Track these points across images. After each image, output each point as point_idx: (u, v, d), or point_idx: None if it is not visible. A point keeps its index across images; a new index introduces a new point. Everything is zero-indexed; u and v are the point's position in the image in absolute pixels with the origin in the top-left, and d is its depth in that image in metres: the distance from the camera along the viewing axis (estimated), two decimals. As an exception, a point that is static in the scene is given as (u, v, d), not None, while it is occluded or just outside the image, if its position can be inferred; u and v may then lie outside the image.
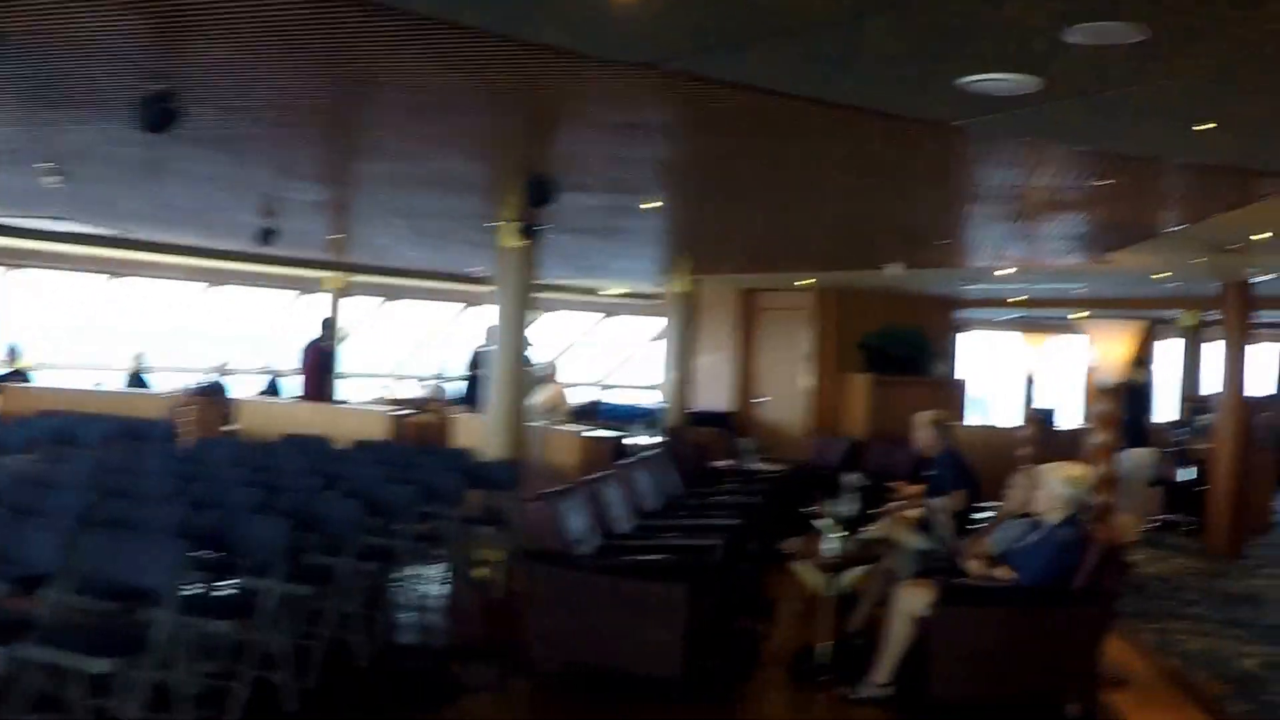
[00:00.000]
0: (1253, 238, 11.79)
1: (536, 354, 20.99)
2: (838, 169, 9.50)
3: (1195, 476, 17.83)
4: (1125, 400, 14.09)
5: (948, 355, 22.43)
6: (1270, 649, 10.76)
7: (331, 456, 12.53)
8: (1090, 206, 10.53)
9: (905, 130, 7.55)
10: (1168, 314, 23.54)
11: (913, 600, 8.30)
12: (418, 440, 15.63)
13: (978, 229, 12.37)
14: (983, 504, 10.96)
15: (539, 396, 16.80)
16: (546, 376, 17.08)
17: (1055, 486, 8.37)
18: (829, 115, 7.18)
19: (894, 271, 15.64)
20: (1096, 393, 10.25)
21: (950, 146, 8.22)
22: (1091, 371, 10.39)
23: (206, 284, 22.20)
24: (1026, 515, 8.98)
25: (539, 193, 10.25)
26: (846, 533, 9.52)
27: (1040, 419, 17.80)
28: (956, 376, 22.69)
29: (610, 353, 28.14)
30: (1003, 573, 8.47)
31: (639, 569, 8.88)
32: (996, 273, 16.67)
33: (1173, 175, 8.85)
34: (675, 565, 8.94)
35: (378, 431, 15.58)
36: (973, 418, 21.24)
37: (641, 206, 11.81)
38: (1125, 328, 10.33)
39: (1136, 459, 10.92)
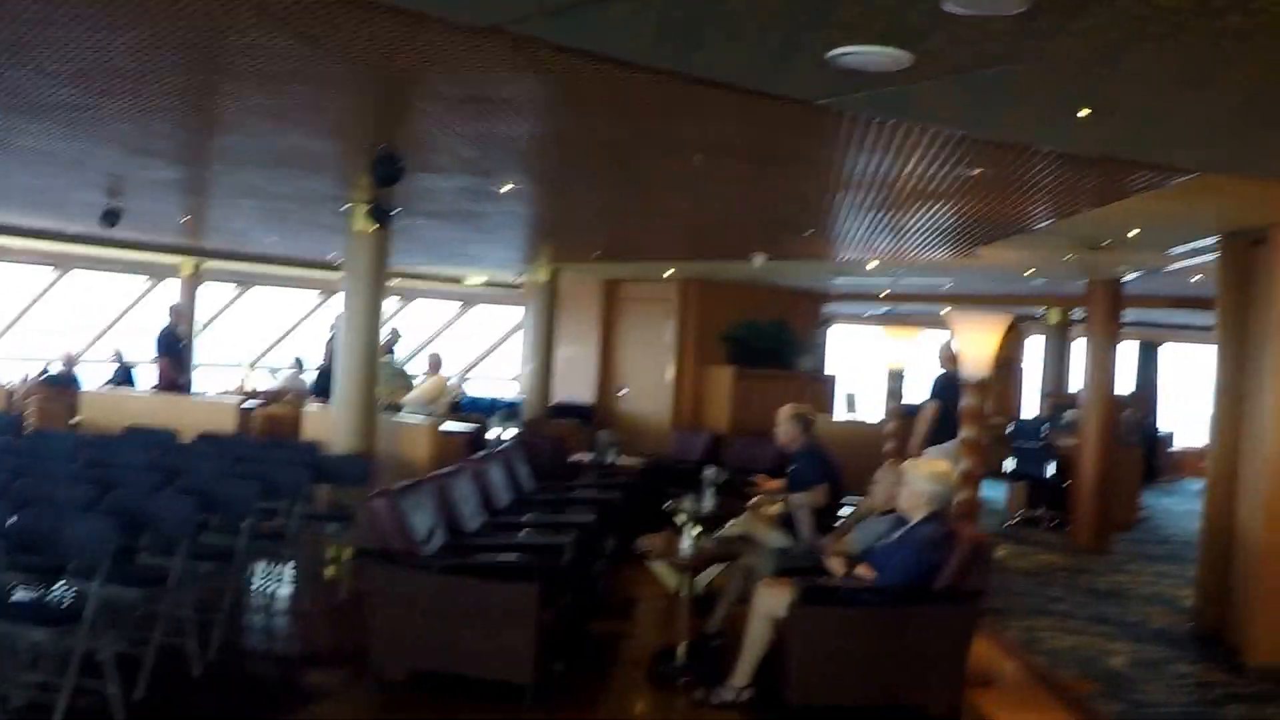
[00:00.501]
0: (1128, 235, 11.58)
1: (409, 345, 20.93)
2: (699, 151, 9.13)
3: (1060, 472, 17.86)
4: (938, 393, 14.27)
5: (814, 349, 22.47)
6: (1138, 646, 10.72)
7: (175, 451, 11.98)
8: (961, 198, 10.30)
9: (769, 109, 7.21)
10: (1034, 311, 23.61)
11: (771, 600, 8.05)
12: (268, 433, 15.14)
13: (845, 219, 12.09)
14: (846, 499, 10.76)
15: (421, 388, 16.49)
16: (431, 368, 16.88)
17: (918, 483, 8.15)
18: (688, 91, 6.81)
19: (759, 263, 15.41)
20: (966, 387, 10.00)
21: (817, 128, 7.89)
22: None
23: (55, 268, 21.35)
24: (890, 512, 8.77)
25: (385, 171, 9.78)
26: (705, 530, 9.23)
27: (905, 413, 17.70)
28: (824, 371, 22.80)
29: (471, 343, 27.71)
30: (864, 572, 8.22)
31: (487, 569, 8.49)
32: (867, 266, 16.46)
33: (1047, 166, 8.60)
34: (525, 565, 8.54)
35: (227, 424, 15.08)
36: (840, 412, 21.06)
37: (497, 190, 11.39)
38: (991, 322, 10.08)
39: (946, 452, 10.74)
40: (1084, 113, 6.25)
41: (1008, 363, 26.36)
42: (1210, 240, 11.53)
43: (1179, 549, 16.41)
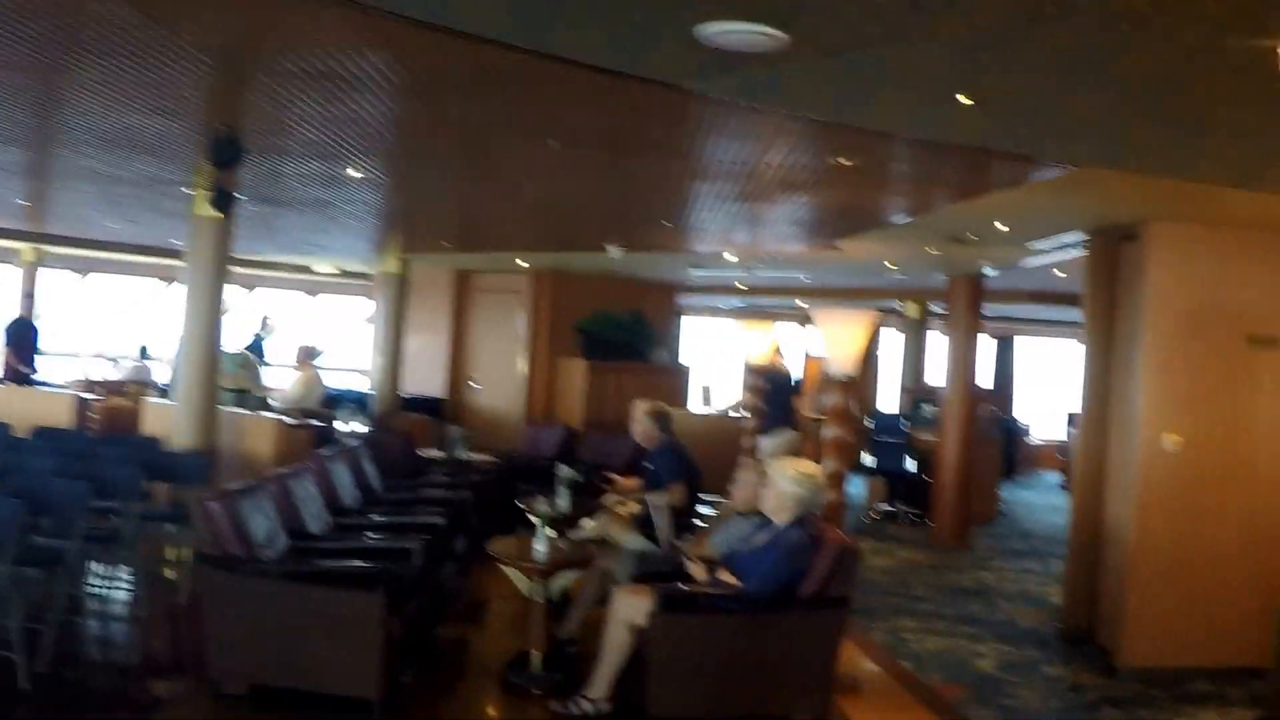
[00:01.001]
0: (994, 228, 11.36)
1: (279, 337, 20.34)
2: (554, 137, 8.71)
3: (919, 467, 17.84)
4: (768, 384, 14.15)
5: (670, 342, 22.18)
6: (1005, 648, 10.55)
7: (6, 446, 11.34)
8: (824, 189, 10.00)
9: (631, 92, 6.82)
10: (892, 304, 23.53)
11: (629, 607, 7.70)
12: (107, 427, 14.52)
13: (704, 210, 11.74)
14: (706, 498, 10.48)
15: (293, 382, 15.94)
16: (302, 361, 16.28)
17: (783, 485, 7.80)
18: (544, 71, 6.40)
19: (615, 253, 15.05)
20: (825, 383, 9.66)
21: (680, 114, 7.52)
22: (820, 361, 9.82)
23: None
24: (753, 513, 8.46)
25: (224, 154, 9.28)
26: (559, 531, 8.95)
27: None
28: (679, 363, 22.48)
29: (321, 335, 27.10)
30: (728, 577, 7.85)
31: (329, 576, 7.93)
32: (725, 258, 16.16)
33: (915, 156, 8.34)
34: (370, 572, 8.05)
35: (64, 418, 14.45)
36: (696, 405, 20.85)
37: (345, 175, 10.89)
38: (856, 318, 9.79)
39: (779, 442, 10.49)
40: (964, 100, 5.94)
41: (867, 357, 26.41)
42: (1077, 236, 11.34)
43: (1041, 544, 16.45)
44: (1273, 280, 10.14)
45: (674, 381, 21.08)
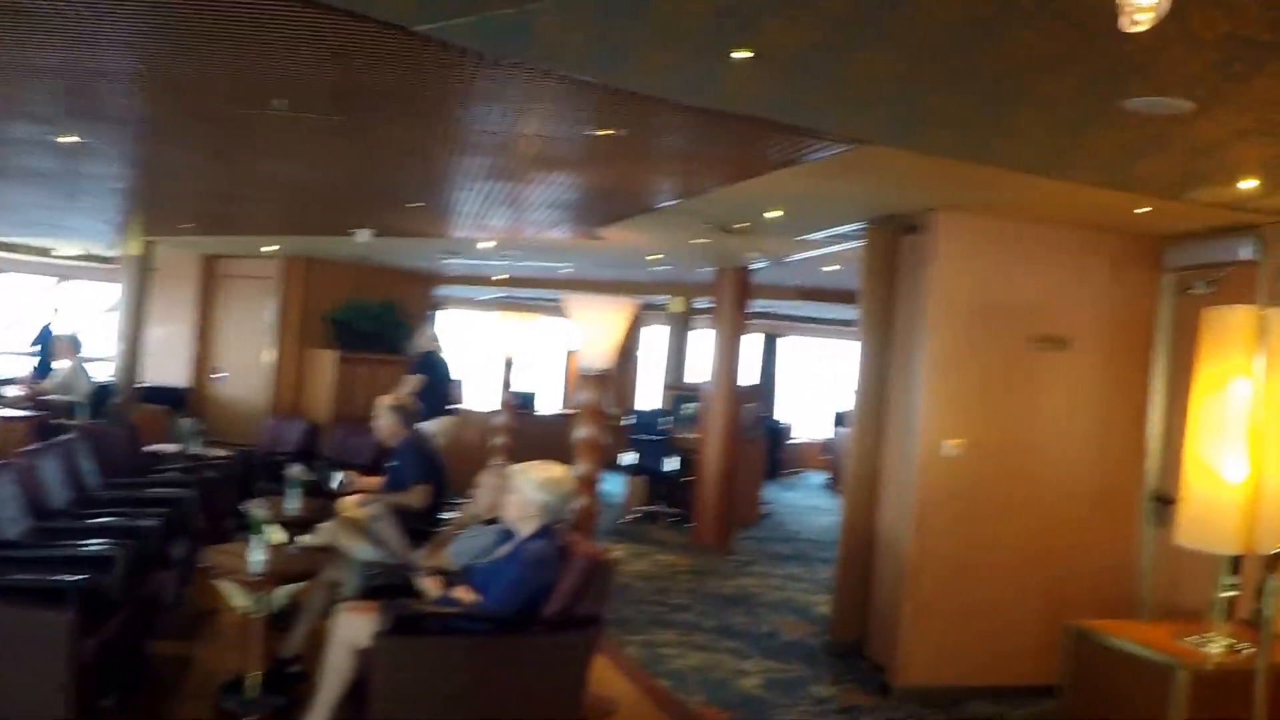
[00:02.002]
0: (766, 216, 10.66)
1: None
2: (282, 94, 7.67)
3: (681, 466, 17.18)
4: (422, 369, 14.56)
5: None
6: (770, 663, 9.89)
7: None
8: (586, 166, 9.14)
9: (357, 36, 5.90)
10: (656, 299, 23.05)
11: (351, 627, 6.83)
12: None
13: (456, 190, 10.82)
14: (452, 501, 9.63)
15: (61, 373, 15.22)
16: (64, 351, 15.49)
17: (527, 491, 7.00)
18: (263, 11, 5.48)
19: (363, 238, 14.12)
20: (580, 379, 8.81)
21: (416, 65, 6.55)
22: (574, 355, 8.97)
23: None
24: (495, 521, 7.63)
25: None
26: (289, 536, 8.07)
27: (518, 404, 16.84)
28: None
29: (71, 323, 25.74)
30: (465, 593, 7.02)
31: (10, 590, 6.84)
32: (479, 245, 15.29)
33: (685, 127, 7.52)
34: (56, 586, 6.97)
35: None
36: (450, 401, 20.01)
37: (59, 142, 9.72)
38: (612, 308, 8.96)
39: (437, 427, 9.83)
40: (741, 55, 5.15)
41: (626, 352, 26.07)
42: (854, 226, 10.72)
43: (806, 548, 15.95)
44: (1058, 278, 9.69)
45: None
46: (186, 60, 6.74)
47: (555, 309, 23.41)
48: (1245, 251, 8.42)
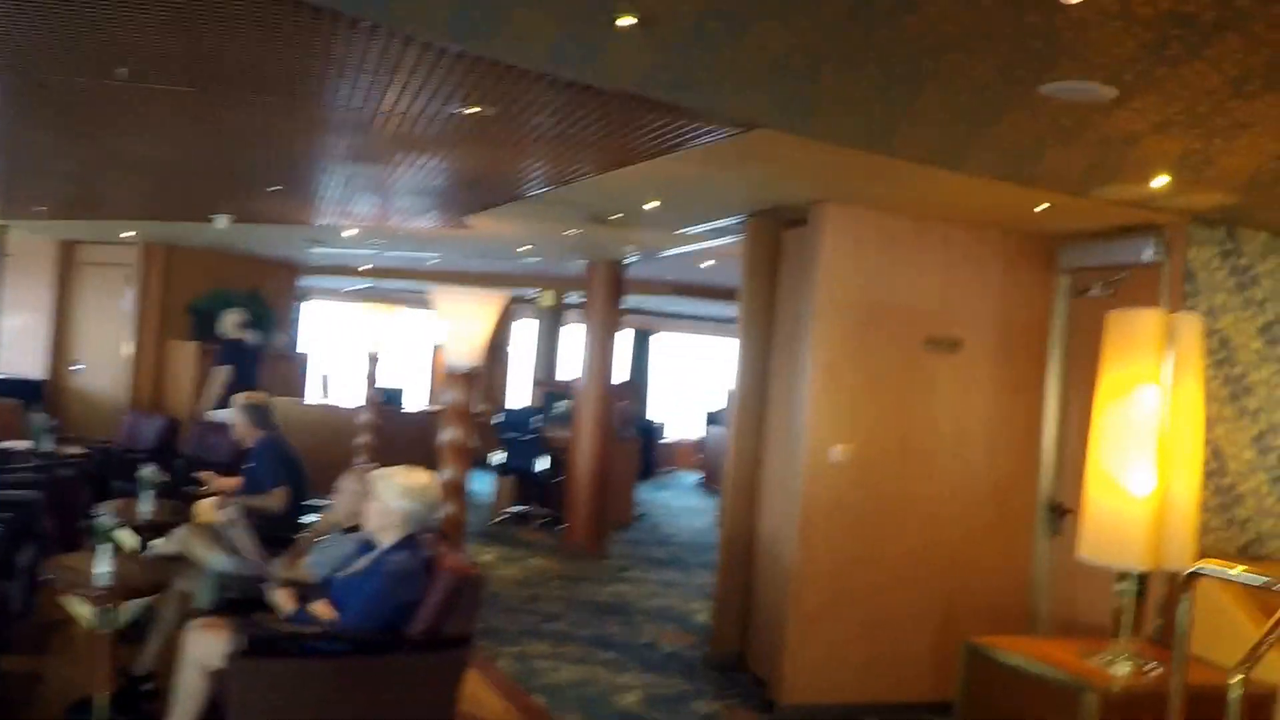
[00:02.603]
0: (643, 207, 10.19)
1: None
2: (127, 63, 7.04)
3: (552, 466, 16.70)
4: (228, 359, 14.75)
5: (288, 325, 20.61)
6: (649, 677, 9.43)
7: None
8: (453, 148, 8.58)
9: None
10: (528, 292, 22.65)
11: (202, 647, 6.22)
12: None
13: (317, 173, 10.23)
14: (313, 505, 9.08)
15: None
16: None
17: (389, 498, 6.47)
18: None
19: (222, 225, 13.50)
20: (446, 377, 8.24)
21: (271, 28, 5.99)
22: (441, 351, 8.37)
23: None
24: (356, 529, 7.10)
25: None
26: (139, 543, 7.68)
27: (383, 401, 16.29)
28: (297, 349, 21.03)
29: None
30: (322, 610, 6.45)
31: None
32: (344, 234, 14.70)
33: (560, 106, 6.98)
34: None
35: None
36: (315, 396, 19.44)
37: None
38: (479, 301, 8.39)
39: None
40: (626, 21, 4.65)
41: (496, 348, 25.69)
42: (735, 219, 10.28)
43: (681, 552, 15.54)
44: (951, 277, 9.27)
45: (290, 368, 19.63)
46: (20, 24, 6.13)
47: (422, 301, 23.00)
48: (1147, 253, 8.06)
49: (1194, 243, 7.82)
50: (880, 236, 9.06)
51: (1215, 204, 7.30)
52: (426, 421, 19.84)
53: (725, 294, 11.93)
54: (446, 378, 8.12)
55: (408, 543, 6.50)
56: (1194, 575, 5.44)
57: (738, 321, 10.13)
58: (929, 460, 9.21)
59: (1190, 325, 6.61)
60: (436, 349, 25.00)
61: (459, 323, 8.15)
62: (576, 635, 10.56)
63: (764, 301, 9.90)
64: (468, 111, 7.07)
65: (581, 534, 14.89)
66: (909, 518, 9.16)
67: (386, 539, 6.53)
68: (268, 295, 18.96)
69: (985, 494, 9.37)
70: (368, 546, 6.68)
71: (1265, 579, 5.04)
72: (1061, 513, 9.03)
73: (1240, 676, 4.79)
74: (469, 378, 8.10)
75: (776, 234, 9.89)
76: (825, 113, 6.16)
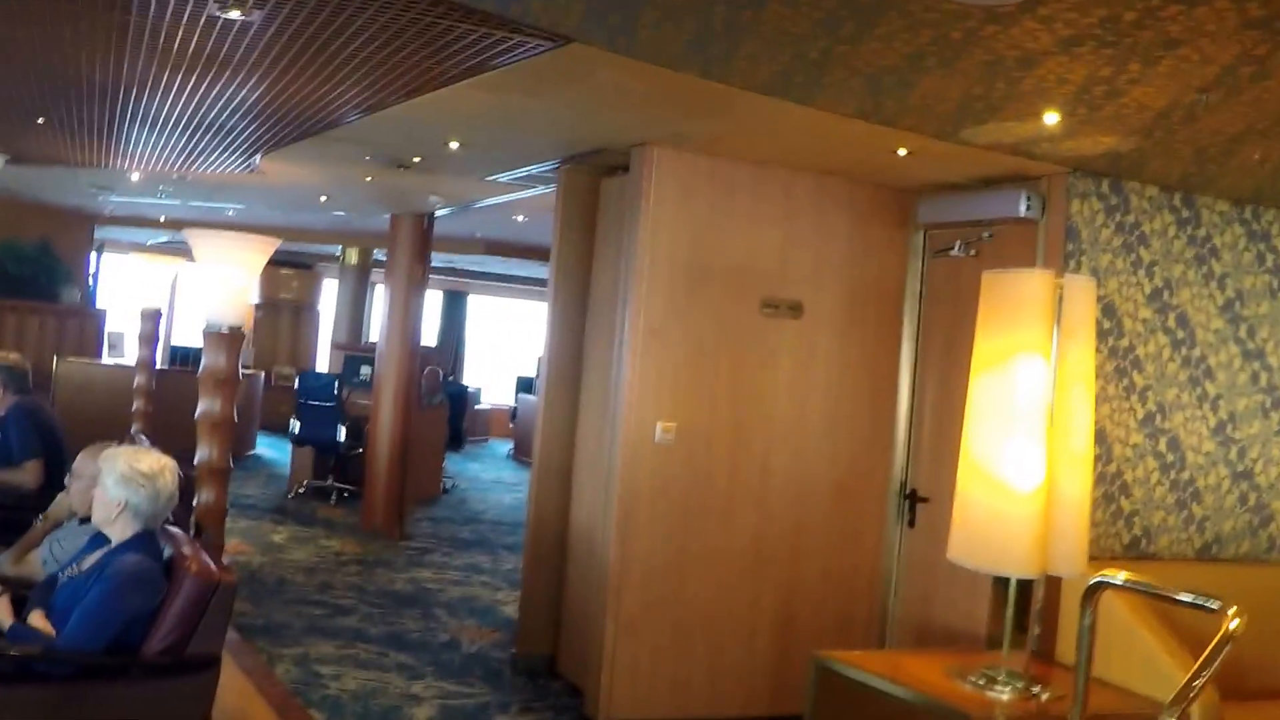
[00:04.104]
0: (447, 147, 8.98)
1: None
2: None
3: (353, 436, 15.57)
4: None
5: (82, 279, 19.68)
6: (447, 684, 8.31)
7: None
8: (218, 67, 7.20)
9: None
10: (334, 249, 21.63)
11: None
12: None
13: (85, 100, 8.86)
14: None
15: None
16: None
17: (109, 484, 5.27)
18: None
19: (-2, 165, 12.15)
20: (206, 339, 6.92)
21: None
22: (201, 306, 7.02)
23: None
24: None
25: None
26: None
27: (181, 361, 14.99)
28: (93, 305, 20.05)
29: None
30: (41, 621, 5.20)
31: None
32: (131, 178, 13.31)
33: (343, 13, 5.75)
34: None
35: None
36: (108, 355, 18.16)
37: None
38: (244, 246, 7.03)
39: None
40: None
41: (304, 308, 24.67)
42: (548, 165, 9.14)
43: (490, 531, 14.48)
44: (793, 233, 8.14)
45: (86, 324, 18.47)
46: None
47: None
48: (1020, 208, 7.05)
49: (1074, 195, 6.85)
50: (712, 185, 7.91)
51: (1103, 150, 6.34)
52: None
53: (542, 253, 10.90)
54: (206, 339, 6.80)
55: (141, 540, 5.29)
56: (1099, 586, 4.36)
57: (549, 281, 9.02)
58: (766, 441, 8.06)
59: (1084, 288, 5.70)
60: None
61: (219, 271, 6.83)
62: (367, 633, 9.34)
63: (579, 259, 8.82)
64: (227, 16, 5.81)
65: (381, 512, 13.66)
66: (743, 507, 8.02)
67: (115, 534, 5.32)
68: (60, 247, 18.21)
69: (830, 479, 8.26)
70: (101, 540, 5.46)
71: (1204, 599, 3.97)
72: (916, 501, 8.06)
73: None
74: (232, 339, 6.79)
75: (594, 182, 8.81)
76: (650, 25, 5.04)
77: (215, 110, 8.64)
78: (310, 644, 8.88)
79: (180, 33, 6.27)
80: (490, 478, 19.69)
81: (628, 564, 7.73)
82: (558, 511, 8.77)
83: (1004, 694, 5.45)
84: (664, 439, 7.73)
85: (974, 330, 5.77)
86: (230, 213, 17.22)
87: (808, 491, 8.20)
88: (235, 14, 5.69)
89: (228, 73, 7.24)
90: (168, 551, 5.44)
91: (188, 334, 21.15)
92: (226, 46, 6.52)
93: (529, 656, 8.79)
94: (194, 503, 6.77)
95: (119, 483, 5.24)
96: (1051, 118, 5.71)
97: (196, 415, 6.83)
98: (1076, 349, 5.58)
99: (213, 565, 5.40)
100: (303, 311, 24.74)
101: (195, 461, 6.81)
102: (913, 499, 8.11)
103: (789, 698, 7.50)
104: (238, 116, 8.81)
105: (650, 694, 7.78)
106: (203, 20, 5.95)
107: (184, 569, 5.27)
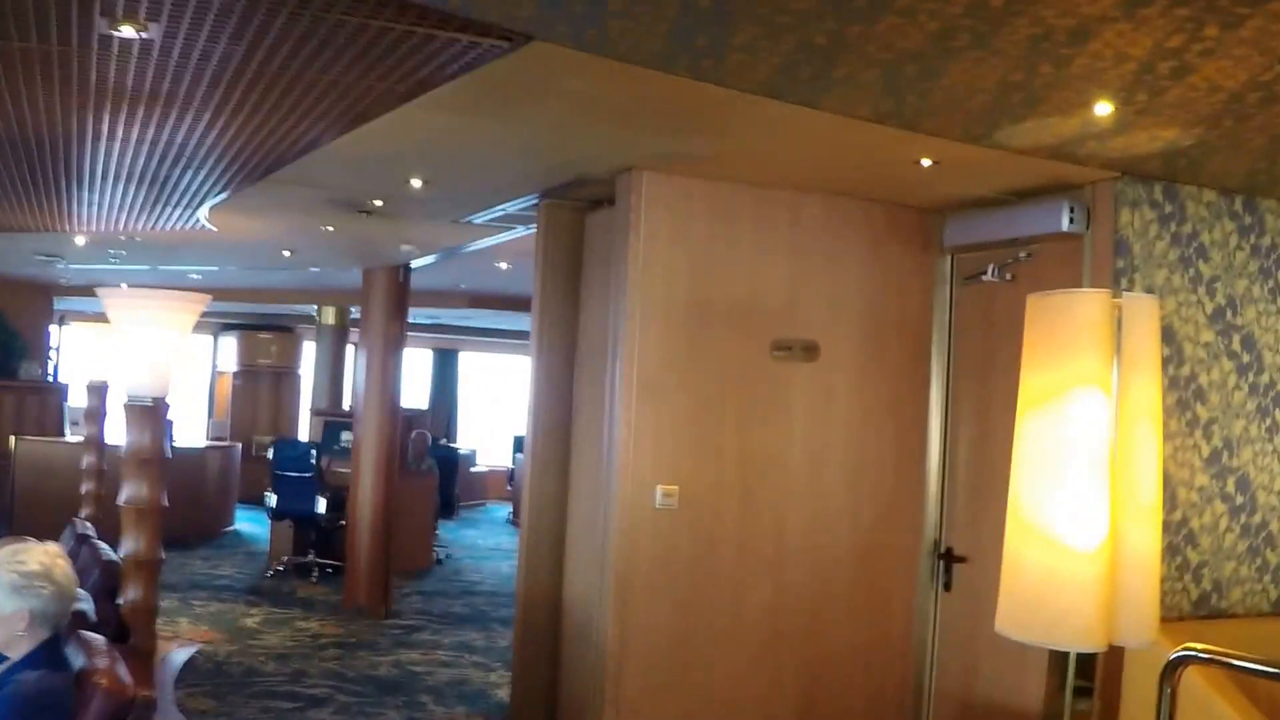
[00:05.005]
0: (414, 184, 8.08)
1: None
2: None
3: (334, 508, 14.67)
4: None
5: (42, 352, 19.02)
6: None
7: None
8: (129, 100, 6.35)
9: None
10: (310, 309, 21.25)
11: None
12: None
13: (9, 152, 7.99)
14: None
15: None
16: None
17: (4, 600, 4.46)
18: None
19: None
20: (127, 414, 6.05)
21: None
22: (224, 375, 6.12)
23: None
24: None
25: None
26: None
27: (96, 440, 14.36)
28: (54, 380, 19.31)
29: None
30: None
31: None
32: (76, 241, 12.47)
33: (253, 22, 4.89)
34: None
35: None
36: (74, 434, 17.24)
37: None
38: (166, 306, 6.17)
39: None
40: None
41: (280, 373, 23.95)
42: (525, 203, 8.32)
43: (485, 604, 13.51)
44: (804, 265, 7.31)
45: (48, 402, 18.00)
46: None
47: (204, 324, 20.93)
48: (1062, 221, 6.21)
49: (1123, 204, 6.00)
50: (709, 213, 7.07)
51: (1159, 147, 5.46)
52: (198, 457, 17.74)
53: (529, 305, 10.13)
54: (126, 411, 5.92)
55: (45, 653, 4.44)
56: (1182, 661, 3.53)
57: (531, 330, 8.20)
58: (780, 502, 7.21)
59: (1146, 309, 4.73)
60: (220, 375, 23.36)
61: (139, 335, 5.95)
62: (345, 729, 8.48)
63: (565, 304, 8.02)
64: (121, 35, 4.93)
65: (364, 588, 12.75)
66: (756, 577, 7.17)
67: (14, 650, 4.45)
68: (17, 320, 17.83)
69: (853, 542, 7.40)
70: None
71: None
72: (953, 560, 7.20)
73: None
74: (153, 414, 5.91)
75: (578, 219, 8.02)
76: (619, 11, 4.18)
77: (144, 158, 7.75)
78: (279, 744, 8.01)
79: (77, 59, 5.40)
80: (488, 545, 18.82)
81: (627, 644, 6.87)
82: (550, 585, 7.92)
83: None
84: (665, 503, 6.87)
85: (1010, 365, 4.89)
86: (196, 276, 16.41)
87: (828, 556, 7.33)
88: (128, 30, 4.80)
89: (141, 109, 6.34)
90: (79, 662, 4.58)
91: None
92: (132, 75, 5.63)
93: (525, 748, 7.88)
94: (118, 601, 5.90)
95: (12, 594, 4.37)
96: (1103, 108, 4.84)
97: (120, 501, 5.95)
98: (1140, 380, 4.69)
99: (127, 679, 4.51)
100: (283, 377, 23.89)
101: (120, 554, 5.93)
102: (948, 559, 7.24)
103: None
104: (168, 163, 7.92)
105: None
106: (96, 42, 5.08)
107: (94, 684, 4.40)
